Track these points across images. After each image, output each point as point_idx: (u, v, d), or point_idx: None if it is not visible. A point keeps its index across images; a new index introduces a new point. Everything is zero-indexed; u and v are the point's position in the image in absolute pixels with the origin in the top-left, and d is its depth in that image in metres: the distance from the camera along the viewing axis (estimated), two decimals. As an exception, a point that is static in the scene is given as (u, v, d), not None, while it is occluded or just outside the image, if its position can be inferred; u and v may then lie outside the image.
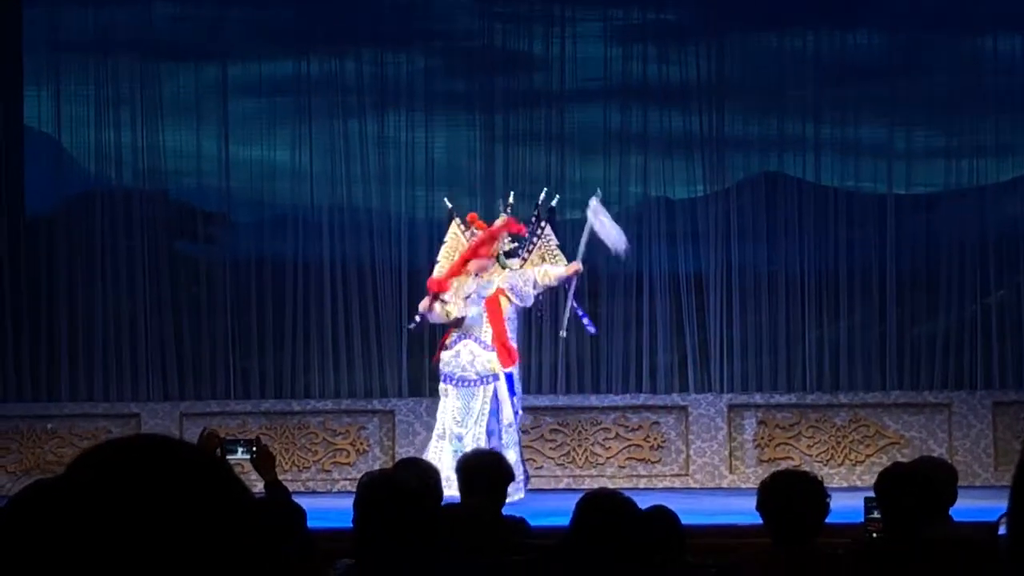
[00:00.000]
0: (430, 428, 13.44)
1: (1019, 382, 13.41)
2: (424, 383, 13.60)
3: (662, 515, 5.50)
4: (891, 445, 13.33)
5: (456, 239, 11.70)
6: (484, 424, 11.25)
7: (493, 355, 11.31)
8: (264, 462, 6.11)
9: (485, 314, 11.34)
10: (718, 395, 13.48)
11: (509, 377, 11.33)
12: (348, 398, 13.67)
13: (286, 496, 5.91)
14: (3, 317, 13.74)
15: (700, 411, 13.44)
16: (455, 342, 11.42)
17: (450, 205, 11.82)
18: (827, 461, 13.29)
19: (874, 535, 6.18)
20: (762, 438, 13.43)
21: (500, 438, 11.17)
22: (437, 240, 13.76)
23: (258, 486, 6.10)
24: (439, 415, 11.48)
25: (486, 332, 11.34)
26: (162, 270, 13.76)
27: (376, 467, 12.46)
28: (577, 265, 11.31)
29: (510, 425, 11.25)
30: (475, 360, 11.33)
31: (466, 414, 11.32)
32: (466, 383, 11.34)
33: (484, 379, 11.29)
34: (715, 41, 13.71)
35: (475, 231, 11.57)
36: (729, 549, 5.87)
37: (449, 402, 11.42)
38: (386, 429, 13.57)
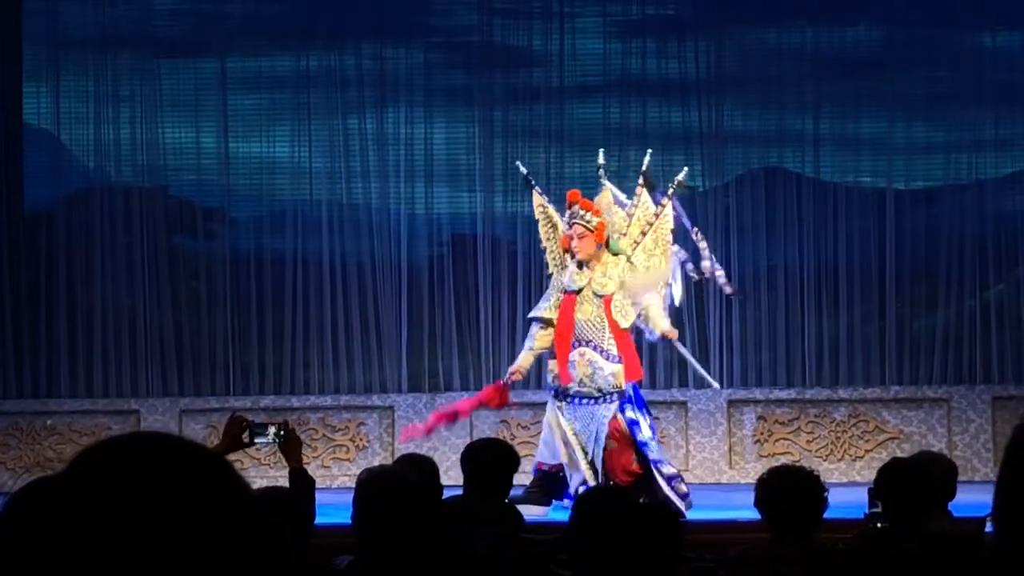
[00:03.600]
0: (430, 424, 13.45)
1: (1018, 377, 13.41)
2: (423, 379, 13.62)
3: (661, 510, 5.49)
4: (890, 440, 13.33)
5: (546, 216, 10.36)
6: (601, 446, 9.75)
7: (619, 368, 9.80)
8: (291, 447, 6.06)
9: (606, 317, 9.84)
10: (717, 390, 13.47)
11: (636, 390, 9.92)
12: (348, 394, 13.67)
13: (310, 484, 5.88)
14: (2, 313, 13.74)
15: (700, 406, 13.44)
16: (571, 348, 9.81)
17: (525, 170, 10.72)
18: (826, 456, 13.30)
19: (878, 525, 6.19)
20: (761, 433, 13.43)
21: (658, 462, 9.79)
22: (436, 235, 13.80)
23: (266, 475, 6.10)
24: (546, 439, 10.13)
25: (608, 340, 9.80)
26: (161, 266, 13.77)
27: (376, 463, 12.47)
28: (672, 332, 10.02)
29: (647, 443, 9.82)
30: (595, 373, 9.78)
31: (588, 438, 9.79)
32: (585, 401, 9.85)
33: (608, 397, 9.83)
34: (714, 36, 13.71)
35: (579, 212, 9.90)
36: (729, 544, 5.87)
37: (563, 423, 9.86)
38: (386, 425, 13.57)
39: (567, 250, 10.06)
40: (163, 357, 13.73)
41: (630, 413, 9.81)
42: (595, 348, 9.81)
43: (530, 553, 5.55)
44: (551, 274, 10.41)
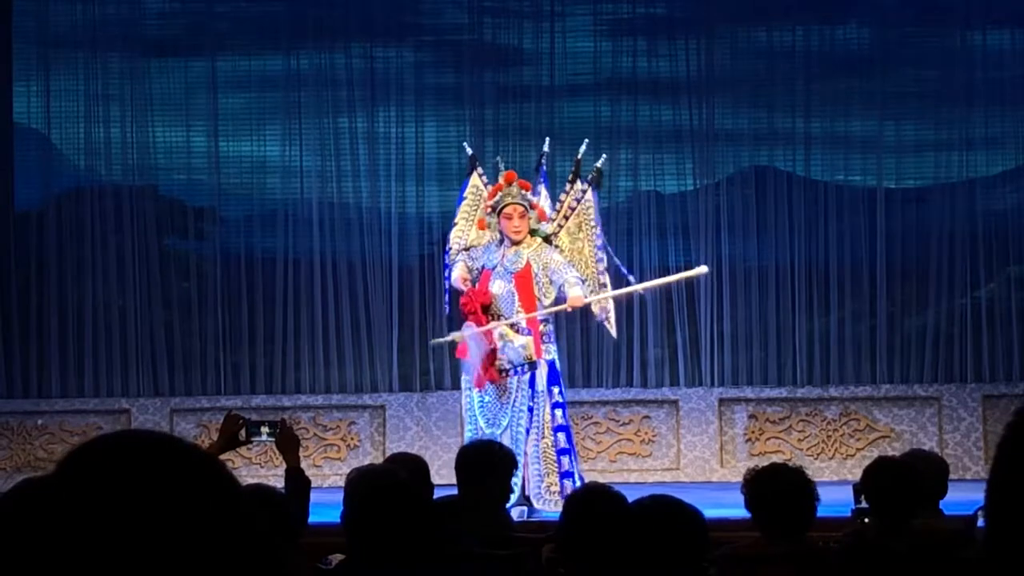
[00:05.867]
0: (420, 423, 13.46)
1: (1009, 375, 13.43)
2: (415, 378, 13.61)
3: (674, 512, 4.62)
4: (881, 438, 13.34)
5: (477, 195, 10.58)
6: (524, 421, 10.02)
7: (529, 340, 10.03)
8: (288, 445, 6.02)
9: (516, 292, 10.12)
10: (709, 389, 13.48)
11: (551, 364, 10.16)
12: (338, 393, 13.66)
13: (305, 484, 5.87)
14: (-7, 313, 13.73)
15: (691, 405, 13.44)
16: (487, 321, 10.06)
17: (470, 151, 10.89)
18: (817, 455, 13.30)
19: (865, 520, 6.19)
20: (753, 432, 13.43)
21: (539, 437, 10.05)
22: (427, 234, 13.79)
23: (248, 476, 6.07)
24: (467, 415, 10.35)
25: (519, 313, 10.08)
26: (152, 266, 13.75)
27: (367, 462, 12.45)
28: (578, 300, 10.06)
29: (559, 427, 10.10)
30: (504, 345, 10.03)
31: (499, 410, 10.11)
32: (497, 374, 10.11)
33: (519, 369, 10.09)
34: (704, 35, 13.71)
35: (520, 192, 10.21)
36: (720, 543, 5.86)
37: (475, 398, 10.19)
38: (376, 424, 13.57)
39: (482, 230, 10.41)
40: (154, 357, 13.72)
41: (556, 396, 10.16)
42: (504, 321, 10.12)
43: (522, 552, 5.55)
44: (450, 248, 10.57)
